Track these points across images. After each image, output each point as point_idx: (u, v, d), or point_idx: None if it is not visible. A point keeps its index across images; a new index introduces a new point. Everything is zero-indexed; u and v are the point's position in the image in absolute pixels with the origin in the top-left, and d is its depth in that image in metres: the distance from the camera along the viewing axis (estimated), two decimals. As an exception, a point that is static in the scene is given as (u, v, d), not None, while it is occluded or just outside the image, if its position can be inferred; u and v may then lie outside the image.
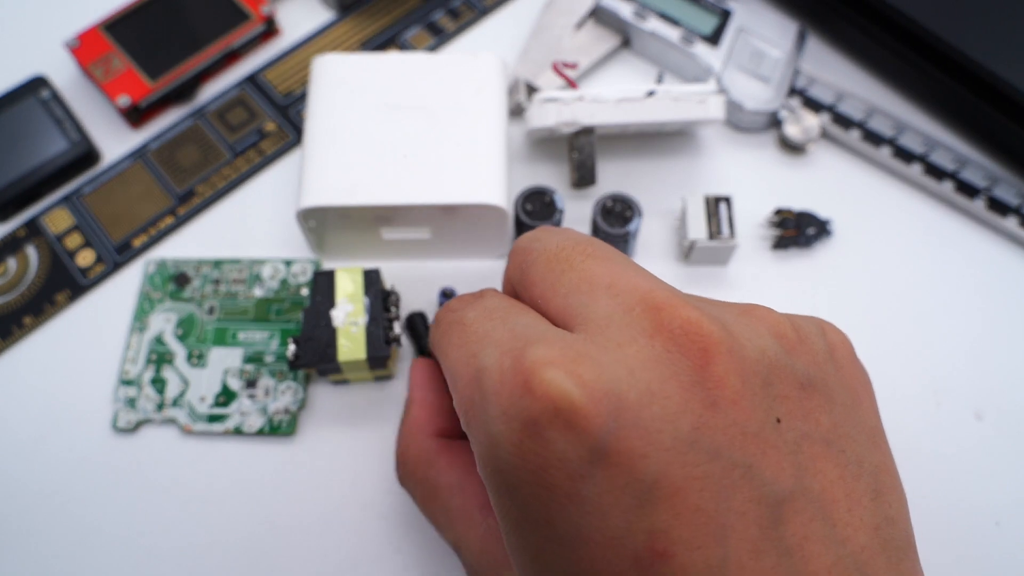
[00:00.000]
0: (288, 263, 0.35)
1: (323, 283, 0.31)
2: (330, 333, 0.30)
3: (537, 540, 0.18)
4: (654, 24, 0.39)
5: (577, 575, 0.18)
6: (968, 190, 0.36)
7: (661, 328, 0.19)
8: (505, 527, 0.19)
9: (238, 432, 0.32)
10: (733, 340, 0.19)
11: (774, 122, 0.38)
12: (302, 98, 0.40)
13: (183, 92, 0.39)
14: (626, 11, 0.39)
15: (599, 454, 0.17)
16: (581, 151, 0.35)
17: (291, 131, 0.39)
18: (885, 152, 0.37)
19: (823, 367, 0.21)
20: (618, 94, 0.34)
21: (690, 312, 0.19)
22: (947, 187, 0.36)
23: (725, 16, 0.39)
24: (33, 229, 0.37)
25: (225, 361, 0.33)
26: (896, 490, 0.21)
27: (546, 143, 0.38)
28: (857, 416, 0.21)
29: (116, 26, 0.40)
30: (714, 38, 0.38)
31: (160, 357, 0.33)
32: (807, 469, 0.19)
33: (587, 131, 0.34)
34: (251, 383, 0.33)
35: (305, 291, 0.35)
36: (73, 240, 0.36)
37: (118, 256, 0.36)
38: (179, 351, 0.33)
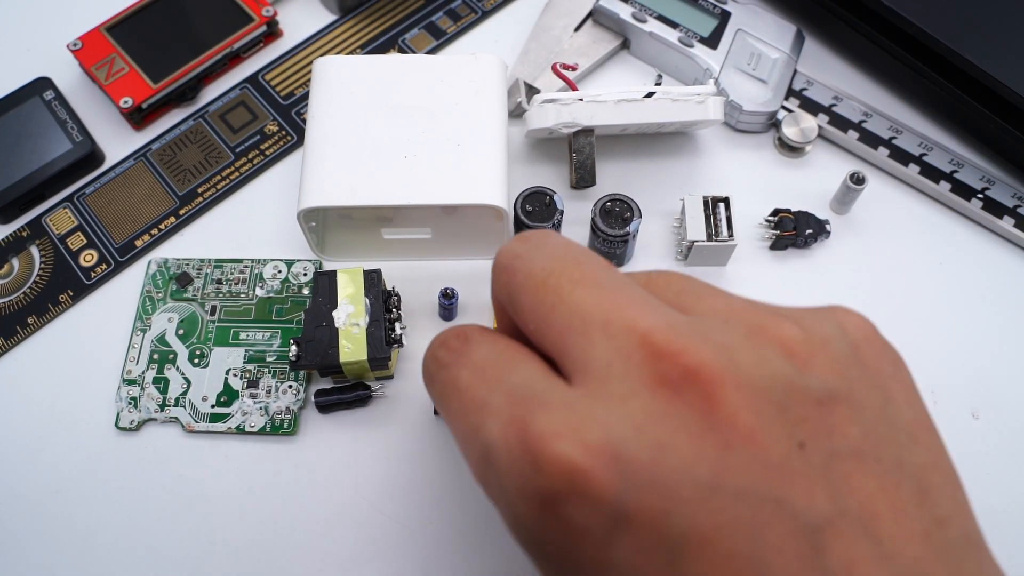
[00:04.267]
0: (289, 263, 0.35)
1: (324, 284, 0.31)
2: (331, 334, 0.30)
3: None
4: (653, 25, 0.39)
5: None
6: (964, 191, 0.36)
7: (663, 380, 0.18)
8: None
9: (240, 431, 0.32)
10: (740, 373, 0.18)
11: (772, 123, 0.38)
12: (303, 99, 0.40)
13: (185, 93, 0.39)
14: (625, 12, 0.39)
15: (620, 519, 0.17)
16: (581, 152, 0.35)
17: (292, 132, 0.39)
18: (882, 153, 0.37)
19: (845, 373, 0.20)
20: (617, 95, 0.34)
21: (691, 356, 0.18)
22: (943, 188, 0.36)
23: (724, 18, 0.39)
24: (36, 230, 0.37)
25: (227, 361, 0.33)
26: (946, 485, 0.19)
27: (546, 144, 0.38)
28: (890, 414, 0.20)
29: (118, 28, 0.40)
30: (713, 40, 0.38)
31: (162, 357, 0.34)
32: (841, 488, 0.18)
33: (587, 132, 0.35)
34: (253, 383, 0.33)
35: (306, 291, 0.35)
36: (76, 240, 0.37)
37: (120, 256, 0.36)
38: (181, 351, 0.34)
